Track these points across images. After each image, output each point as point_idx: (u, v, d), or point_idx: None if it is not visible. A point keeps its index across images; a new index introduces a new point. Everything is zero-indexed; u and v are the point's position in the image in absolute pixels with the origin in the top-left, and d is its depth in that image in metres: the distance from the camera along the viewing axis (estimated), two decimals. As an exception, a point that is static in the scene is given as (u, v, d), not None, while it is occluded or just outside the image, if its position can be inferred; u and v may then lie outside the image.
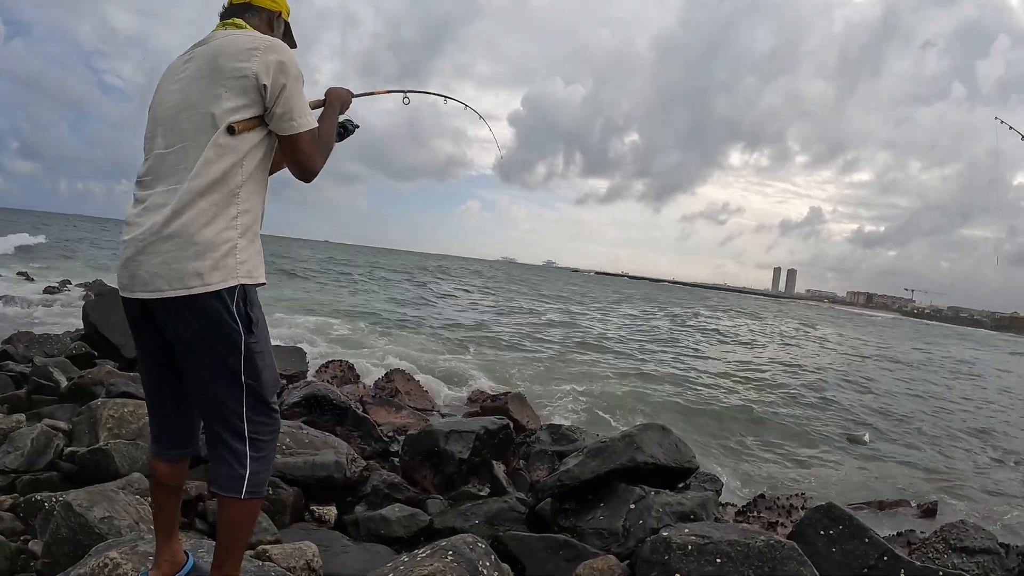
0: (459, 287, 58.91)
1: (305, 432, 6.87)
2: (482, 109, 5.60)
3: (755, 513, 8.31)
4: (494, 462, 7.36)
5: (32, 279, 26.28)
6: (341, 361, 13.61)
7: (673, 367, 21.70)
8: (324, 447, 6.65)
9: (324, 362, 13.70)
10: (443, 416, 11.75)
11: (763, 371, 23.28)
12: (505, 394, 12.33)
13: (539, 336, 26.25)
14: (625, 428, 7.60)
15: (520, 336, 25.32)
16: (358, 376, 13.51)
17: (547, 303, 50.54)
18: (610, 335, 29.79)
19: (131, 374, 7.94)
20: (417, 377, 14.04)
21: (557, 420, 11.65)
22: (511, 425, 8.08)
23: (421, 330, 24.54)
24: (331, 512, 5.96)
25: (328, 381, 12.31)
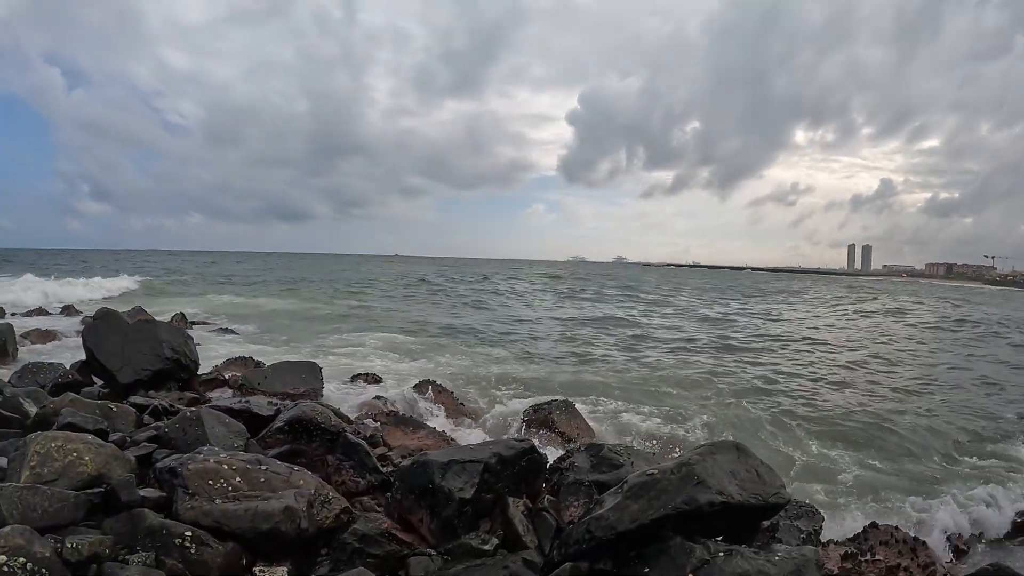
0: (533, 288, 57.64)
1: (264, 468, 5.39)
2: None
3: (868, 553, 6.54)
4: (511, 500, 5.57)
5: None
6: (368, 375, 12.10)
7: (758, 367, 19.28)
8: (284, 487, 5.20)
9: (352, 375, 12.21)
10: (484, 432, 10.20)
11: (863, 366, 20.46)
12: (550, 403, 10.62)
13: (611, 336, 24.67)
14: (694, 447, 5.66)
15: (590, 339, 23.75)
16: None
17: (619, 300, 48.42)
18: (682, 332, 27.59)
19: (99, 402, 7.45)
20: (465, 388, 12.51)
21: (611, 436, 9.98)
22: (536, 449, 6.22)
23: (483, 337, 23.49)
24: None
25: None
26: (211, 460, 5.26)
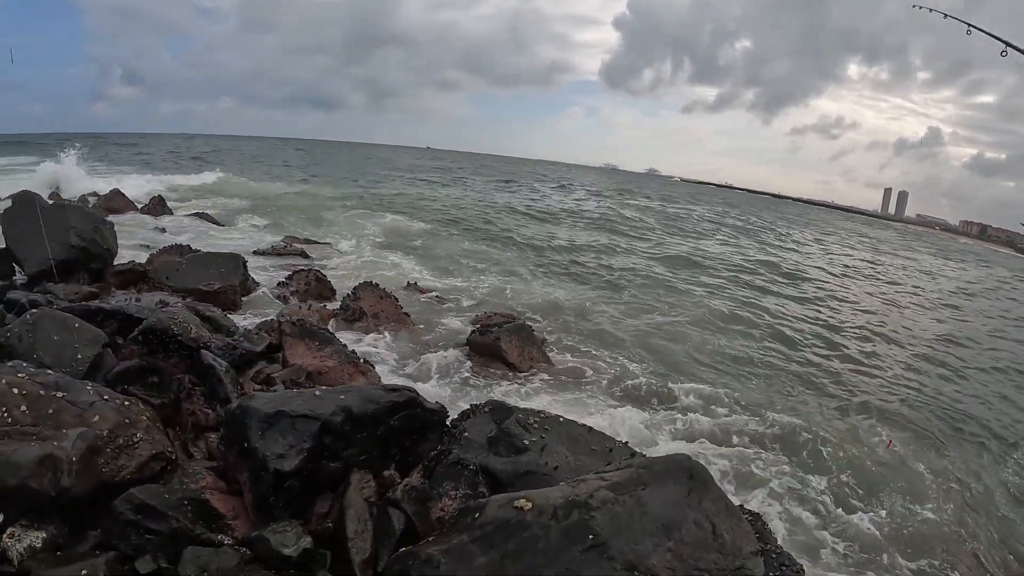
0: (560, 189, 55.72)
1: (61, 395, 4.26)
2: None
3: None
4: (358, 476, 4.22)
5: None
6: (308, 271, 11.08)
7: (766, 312, 16.59)
8: (74, 424, 4.06)
9: (292, 272, 11.22)
10: (413, 357, 9.18)
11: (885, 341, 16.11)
12: (501, 324, 9.56)
13: (613, 254, 22.56)
14: (627, 463, 4.07)
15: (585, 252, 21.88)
16: (333, 291, 11.02)
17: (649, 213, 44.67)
18: (697, 257, 24.61)
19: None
20: (414, 297, 11.54)
21: (570, 385, 8.87)
22: (419, 402, 4.83)
23: (476, 235, 22.49)
24: (17, 547, 3.52)
25: (288, 296, 10.01)
26: (3, 380, 4.21)
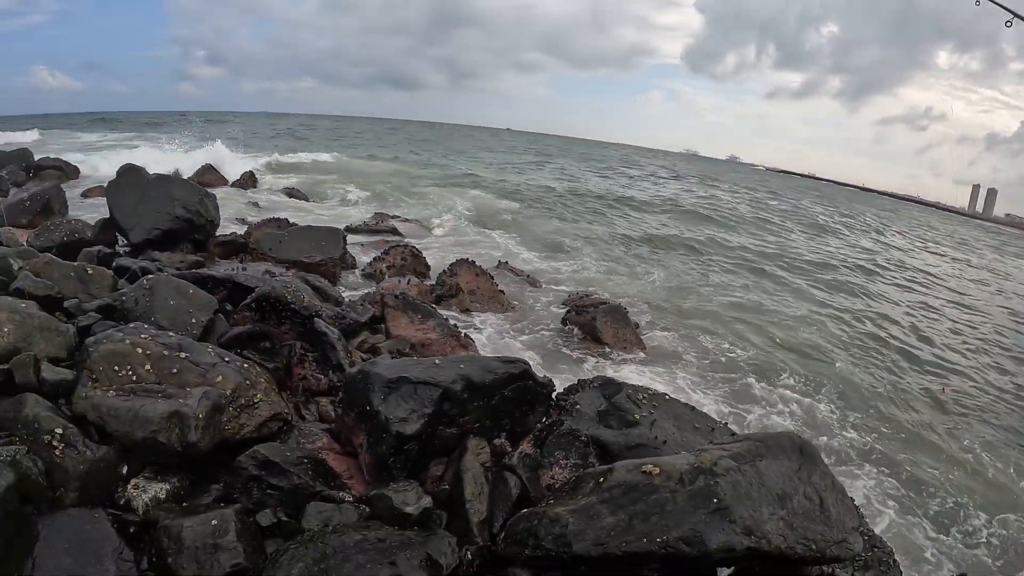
0: (650, 174, 54.74)
1: (184, 356, 4.45)
2: None
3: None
4: (474, 443, 4.31)
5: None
6: (404, 246, 11.12)
7: (872, 310, 15.59)
8: (198, 383, 4.23)
9: (387, 247, 11.28)
10: (510, 334, 9.16)
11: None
12: (597, 305, 9.46)
13: (711, 243, 21.63)
14: (740, 436, 4.17)
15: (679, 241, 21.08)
16: (427, 267, 11.06)
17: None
18: (792, 253, 22.81)
19: (76, 264, 6.63)
20: (506, 274, 11.52)
21: (660, 367, 8.68)
22: (531, 374, 4.91)
23: (565, 215, 22.26)
24: (142, 497, 3.68)
25: (384, 271, 10.09)
26: (127, 340, 4.41)
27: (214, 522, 3.37)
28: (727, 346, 10.25)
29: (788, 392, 8.78)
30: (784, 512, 3.29)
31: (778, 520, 3.24)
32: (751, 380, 9.00)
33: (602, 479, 3.49)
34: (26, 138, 36.62)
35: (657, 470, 3.39)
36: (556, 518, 3.30)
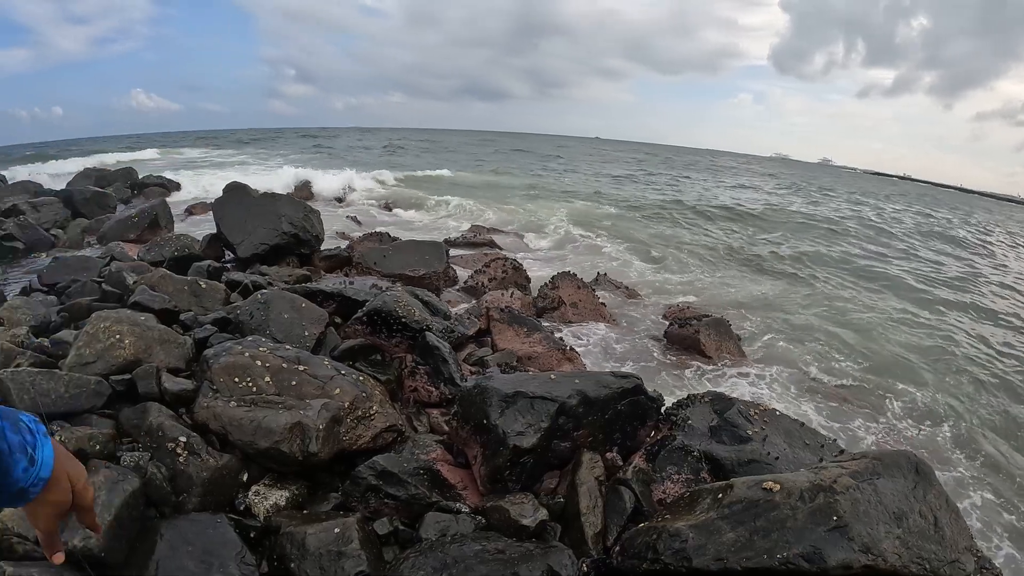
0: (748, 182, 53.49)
1: (302, 368, 4.63)
2: None
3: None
4: (588, 456, 4.29)
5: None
6: (504, 259, 11.10)
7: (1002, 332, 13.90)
8: (316, 395, 4.39)
9: (488, 260, 11.28)
10: (614, 341, 9.02)
11: None
12: (700, 318, 9.26)
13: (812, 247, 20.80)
14: (854, 454, 4.04)
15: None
16: (528, 280, 11.01)
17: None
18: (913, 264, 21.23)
19: (189, 279, 7.03)
20: (606, 287, 11.39)
21: (765, 382, 8.43)
22: (643, 389, 4.88)
23: (663, 226, 21.75)
24: (263, 504, 3.86)
25: (486, 284, 10.11)
26: (247, 353, 4.57)
27: (337, 530, 3.46)
28: (836, 362, 9.88)
29: (902, 411, 8.39)
30: (900, 531, 3.27)
31: (894, 539, 3.22)
32: (861, 397, 8.67)
33: (721, 495, 3.50)
34: (135, 156, 38.39)
35: (778, 487, 3.40)
36: (676, 533, 3.29)
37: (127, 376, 4.44)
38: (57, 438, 3.58)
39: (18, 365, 4.48)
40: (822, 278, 16.54)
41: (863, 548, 3.09)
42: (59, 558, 1.48)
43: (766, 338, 10.52)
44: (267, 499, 3.81)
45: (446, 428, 4.98)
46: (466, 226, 17.71)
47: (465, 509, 3.93)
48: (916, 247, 25.29)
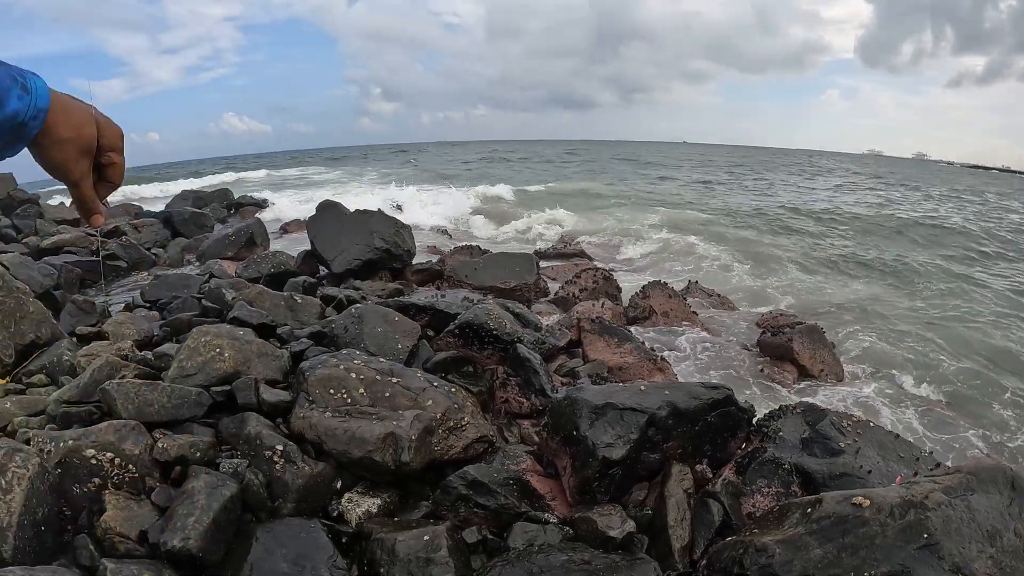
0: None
1: (395, 380, 4.74)
2: None
3: None
4: (677, 468, 4.25)
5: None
6: (595, 269, 11.11)
7: None
8: (409, 406, 4.49)
9: (578, 271, 11.30)
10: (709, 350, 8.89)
11: None
12: (793, 326, 9.06)
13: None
14: (948, 469, 3.88)
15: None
16: (619, 289, 10.98)
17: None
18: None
19: (286, 294, 7.26)
20: (697, 295, 11.29)
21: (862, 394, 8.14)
22: (733, 400, 4.80)
23: (758, 234, 21.26)
24: (356, 511, 3.95)
25: (577, 294, 10.15)
26: (342, 366, 4.71)
27: (426, 537, 3.52)
28: (935, 371, 9.52)
29: (1005, 422, 8.06)
30: (993, 550, 3.13)
31: (986, 559, 3.08)
32: (960, 407, 8.41)
33: (810, 510, 3.40)
34: (232, 177, 39.93)
35: (867, 502, 3.28)
36: (763, 548, 3.22)
37: (227, 387, 4.60)
38: (160, 445, 3.79)
39: (123, 377, 4.67)
40: (923, 282, 15.96)
41: (953, 568, 2.98)
42: (98, 220, 1.37)
43: (864, 345, 10.25)
44: (359, 506, 3.91)
45: (536, 439, 5.01)
46: (556, 236, 17.77)
47: (553, 519, 3.94)
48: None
